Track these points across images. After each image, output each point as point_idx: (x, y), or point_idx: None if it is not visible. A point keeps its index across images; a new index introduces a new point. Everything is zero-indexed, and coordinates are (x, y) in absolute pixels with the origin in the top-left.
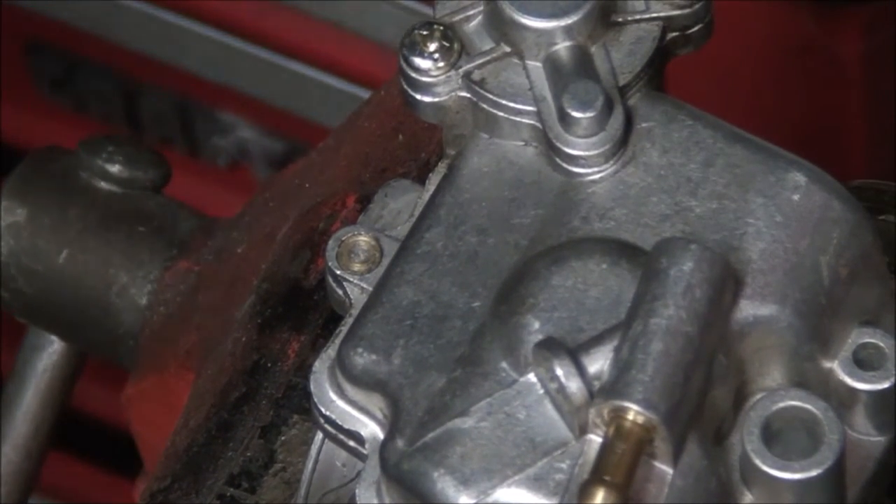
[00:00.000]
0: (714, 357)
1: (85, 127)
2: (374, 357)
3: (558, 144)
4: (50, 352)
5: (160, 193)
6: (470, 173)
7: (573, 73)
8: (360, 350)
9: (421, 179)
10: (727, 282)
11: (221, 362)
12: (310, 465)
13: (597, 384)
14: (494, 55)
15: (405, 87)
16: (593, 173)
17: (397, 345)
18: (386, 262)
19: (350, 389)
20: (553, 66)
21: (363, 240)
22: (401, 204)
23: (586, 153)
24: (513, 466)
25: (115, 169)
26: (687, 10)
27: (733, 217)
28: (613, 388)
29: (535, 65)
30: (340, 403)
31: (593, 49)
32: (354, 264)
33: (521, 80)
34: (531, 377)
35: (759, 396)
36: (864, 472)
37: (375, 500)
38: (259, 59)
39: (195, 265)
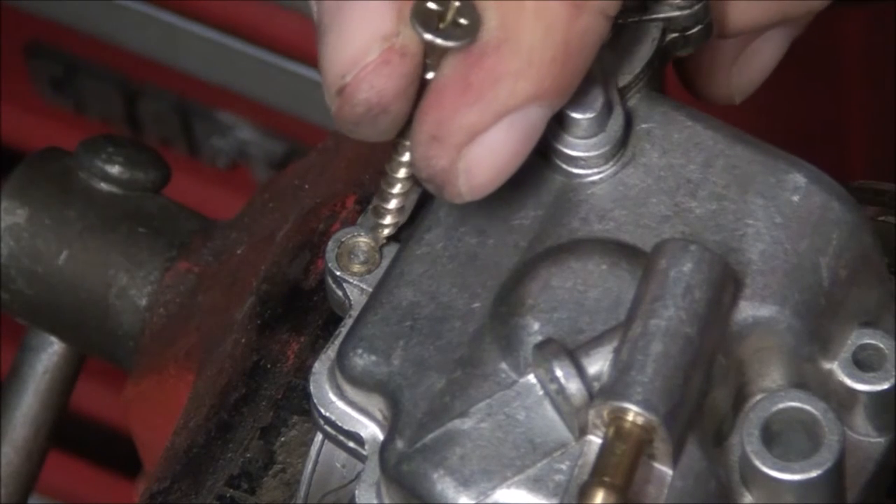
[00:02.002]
0: (714, 358)
1: (85, 127)
2: (373, 358)
3: (557, 146)
4: (50, 353)
5: (160, 194)
6: None
7: None
8: (359, 351)
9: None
10: (727, 283)
11: (221, 363)
12: (309, 466)
13: (596, 385)
14: None
15: None
16: (593, 174)
17: (397, 346)
18: (385, 263)
19: (350, 390)
20: None
21: (363, 241)
22: None
23: (586, 154)
24: (512, 467)
25: (114, 170)
26: (686, 12)
27: (733, 218)
28: (613, 389)
29: None
30: (340, 404)
31: None
32: (354, 265)
33: None
34: (531, 378)
35: (758, 397)
36: (864, 473)
37: (375, 501)
38: (259, 59)
39: (195, 266)
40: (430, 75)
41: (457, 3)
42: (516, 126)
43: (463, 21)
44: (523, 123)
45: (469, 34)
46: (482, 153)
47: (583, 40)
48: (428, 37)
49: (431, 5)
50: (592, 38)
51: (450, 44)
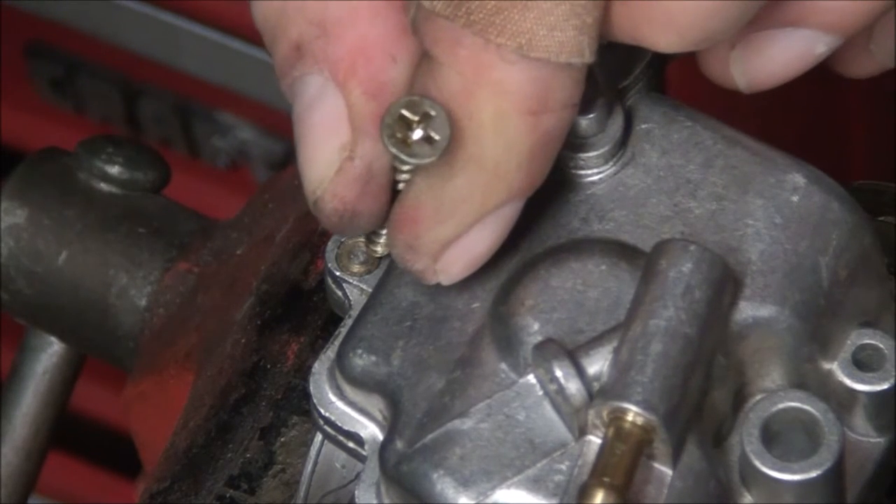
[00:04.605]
0: (713, 358)
1: (84, 128)
2: (373, 358)
3: None
4: (49, 353)
5: (160, 194)
6: None
7: None
8: (359, 351)
9: None
10: (726, 283)
11: (221, 364)
12: (309, 466)
13: (596, 385)
14: None
15: None
16: (592, 174)
17: (396, 346)
18: (385, 263)
19: (349, 391)
20: None
21: (362, 241)
22: None
23: (585, 154)
24: (512, 467)
25: (114, 170)
26: None
27: (733, 218)
28: (613, 389)
29: None
30: (340, 405)
31: None
32: (354, 266)
33: None
34: (530, 378)
35: (758, 398)
36: (864, 473)
37: (375, 501)
38: (259, 59)
39: (195, 266)
40: (406, 167)
41: (433, 113)
42: (490, 226)
43: (434, 135)
44: (496, 222)
45: (436, 151)
46: (456, 254)
47: (547, 139)
48: (393, 151)
49: (407, 114)
50: (558, 132)
51: (413, 161)
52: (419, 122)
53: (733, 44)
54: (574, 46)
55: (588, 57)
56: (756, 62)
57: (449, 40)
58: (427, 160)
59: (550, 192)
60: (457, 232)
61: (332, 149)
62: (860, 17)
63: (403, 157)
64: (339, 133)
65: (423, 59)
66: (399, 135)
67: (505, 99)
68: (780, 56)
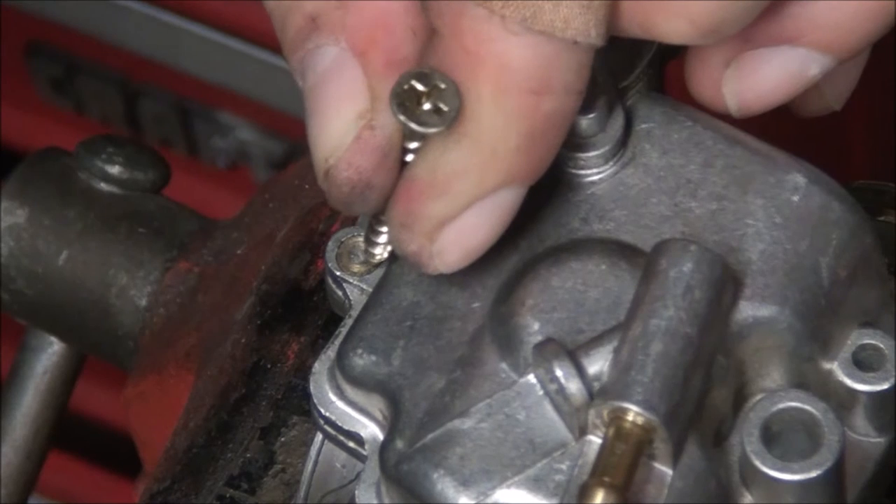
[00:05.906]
0: (713, 358)
1: (85, 128)
2: (373, 358)
3: None
4: (50, 353)
5: (160, 194)
6: None
7: None
8: (359, 351)
9: None
10: (727, 283)
11: (221, 363)
12: (309, 466)
13: (596, 385)
14: None
15: None
16: (593, 174)
17: (397, 346)
18: (385, 263)
19: (350, 390)
20: None
21: (363, 241)
22: None
23: (586, 154)
24: (512, 467)
25: (114, 170)
26: None
27: (733, 218)
28: (613, 389)
29: None
30: (340, 404)
31: None
32: (354, 265)
33: None
34: (531, 378)
35: (758, 398)
36: (864, 473)
37: (375, 501)
38: (259, 59)
39: (195, 266)
40: (413, 145)
41: (442, 86)
42: (487, 210)
43: (443, 107)
44: (494, 207)
45: (445, 122)
46: (453, 238)
47: (548, 123)
48: (402, 118)
49: (417, 85)
50: (559, 118)
51: (421, 130)
52: (429, 95)
53: (728, 61)
54: (580, 24)
55: (594, 38)
56: (748, 81)
57: (453, 12)
58: (434, 130)
59: (550, 191)
60: (451, 210)
61: (348, 117)
62: (858, 39)
63: (412, 125)
64: (356, 102)
65: (432, 35)
66: (408, 104)
67: (506, 74)
68: (773, 75)
